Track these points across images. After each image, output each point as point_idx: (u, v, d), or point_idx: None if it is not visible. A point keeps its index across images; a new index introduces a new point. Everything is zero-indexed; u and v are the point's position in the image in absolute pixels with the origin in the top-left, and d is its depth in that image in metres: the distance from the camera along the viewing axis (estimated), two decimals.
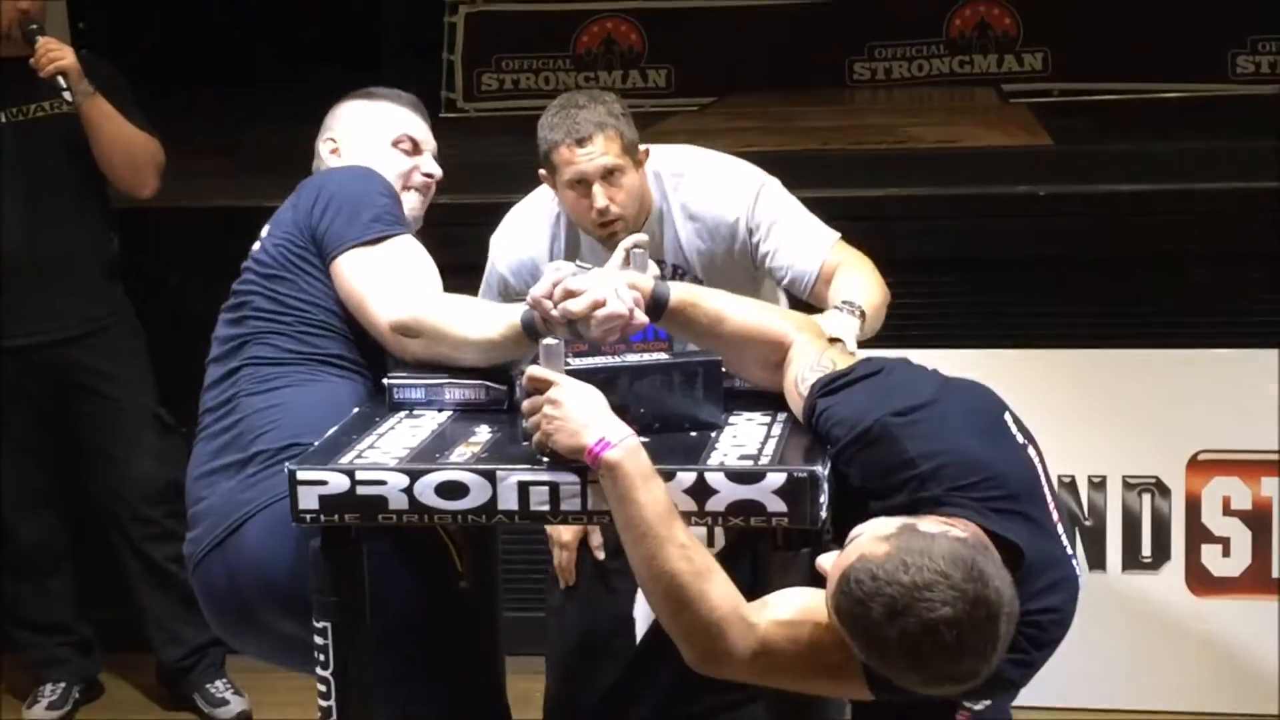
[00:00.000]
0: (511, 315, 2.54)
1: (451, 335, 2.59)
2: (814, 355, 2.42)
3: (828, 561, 2.13)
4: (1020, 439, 2.31)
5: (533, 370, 2.31)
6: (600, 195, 2.94)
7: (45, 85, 3.79)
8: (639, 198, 3.02)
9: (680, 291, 2.50)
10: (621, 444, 2.21)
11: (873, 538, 2.08)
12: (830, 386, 2.33)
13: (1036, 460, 2.31)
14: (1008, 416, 2.33)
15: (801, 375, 2.39)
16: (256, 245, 2.84)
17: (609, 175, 2.95)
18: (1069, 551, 2.29)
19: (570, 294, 2.41)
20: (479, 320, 2.59)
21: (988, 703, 2.31)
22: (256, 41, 8.57)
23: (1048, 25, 6.73)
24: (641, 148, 3.03)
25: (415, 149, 2.96)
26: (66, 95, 3.76)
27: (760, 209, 3.05)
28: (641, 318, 2.42)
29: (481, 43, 6.95)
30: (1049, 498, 2.27)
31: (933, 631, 1.99)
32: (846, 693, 2.28)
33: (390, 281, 2.65)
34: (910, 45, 6.84)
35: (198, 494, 2.68)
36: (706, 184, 3.10)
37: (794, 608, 2.19)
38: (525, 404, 2.31)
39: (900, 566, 2.01)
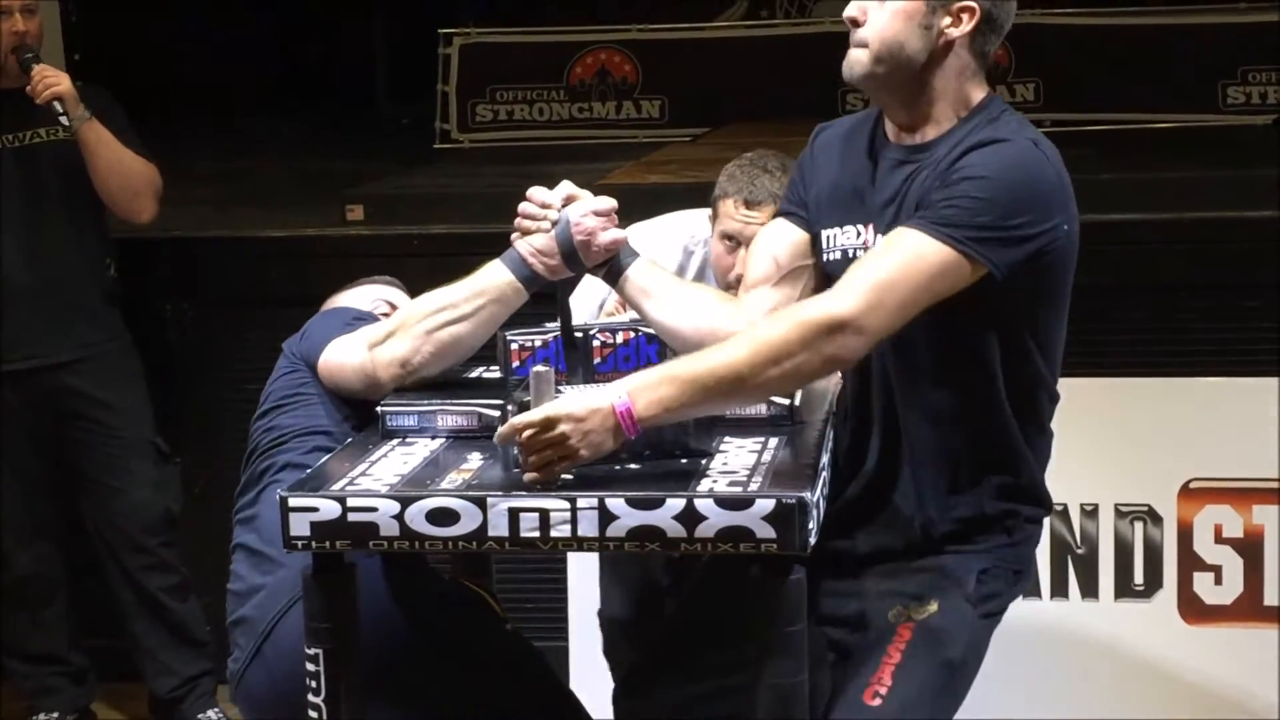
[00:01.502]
0: (485, 270, 2.65)
1: (422, 310, 2.65)
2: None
3: None
4: None
5: (501, 430, 2.30)
6: (744, 263, 2.89)
7: (42, 112, 3.81)
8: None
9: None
10: (626, 398, 2.25)
11: None
12: None
13: None
14: None
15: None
16: (260, 403, 2.87)
17: None
18: None
19: (545, 203, 2.59)
20: (455, 285, 2.66)
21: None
22: (253, 73, 8.61)
23: (1040, 56, 6.75)
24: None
25: (394, 310, 3.01)
26: (63, 120, 3.78)
27: None
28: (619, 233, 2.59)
29: (476, 74, 6.98)
30: None
31: None
32: (956, 275, 2.31)
33: (366, 334, 2.73)
34: None
35: (233, 611, 2.75)
36: None
37: (865, 258, 2.33)
38: (522, 442, 2.28)
39: None
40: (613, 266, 2.63)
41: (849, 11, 2.44)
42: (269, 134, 7.81)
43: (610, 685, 3.33)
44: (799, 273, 2.58)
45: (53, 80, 3.78)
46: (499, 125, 6.94)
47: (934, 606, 2.44)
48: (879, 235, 2.44)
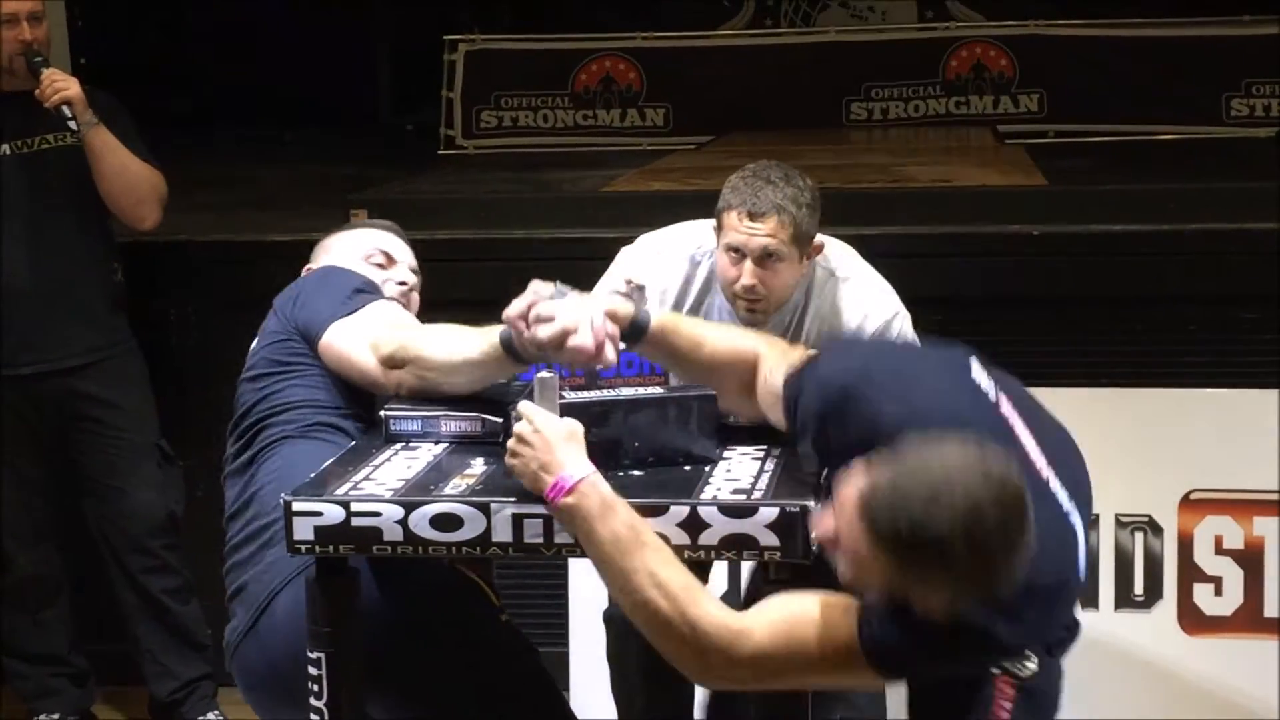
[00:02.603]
0: (491, 335, 2.55)
1: (433, 359, 2.63)
2: (779, 355, 2.46)
3: (823, 514, 2.12)
4: (991, 396, 2.30)
5: (522, 407, 2.32)
6: (749, 274, 2.96)
7: (49, 117, 3.82)
8: (792, 287, 3.02)
9: (661, 317, 2.51)
10: (576, 487, 2.22)
11: (864, 468, 2.07)
12: (798, 369, 2.36)
13: (1011, 410, 2.28)
14: (974, 372, 2.33)
15: (771, 370, 2.42)
16: (248, 363, 2.88)
17: (767, 257, 2.95)
18: (1063, 508, 2.23)
19: (541, 320, 2.39)
20: (459, 342, 2.62)
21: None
22: (257, 78, 8.60)
23: (1044, 68, 6.76)
24: (817, 240, 3.03)
25: (389, 261, 3.03)
26: (71, 125, 3.79)
27: (890, 335, 3.07)
28: (610, 357, 2.39)
29: (481, 80, 6.98)
30: (1033, 451, 2.23)
31: (976, 508, 1.97)
32: (852, 679, 2.25)
33: (373, 330, 2.72)
34: (907, 86, 6.87)
35: (230, 582, 2.75)
36: (855, 294, 3.12)
37: (782, 607, 2.18)
38: (509, 443, 2.31)
39: (919, 465, 2.01)
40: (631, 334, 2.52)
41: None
42: (274, 138, 7.81)
43: (610, 688, 3.35)
44: None
45: (62, 85, 3.78)
46: (503, 132, 6.94)
47: (1034, 664, 2.33)
48: None
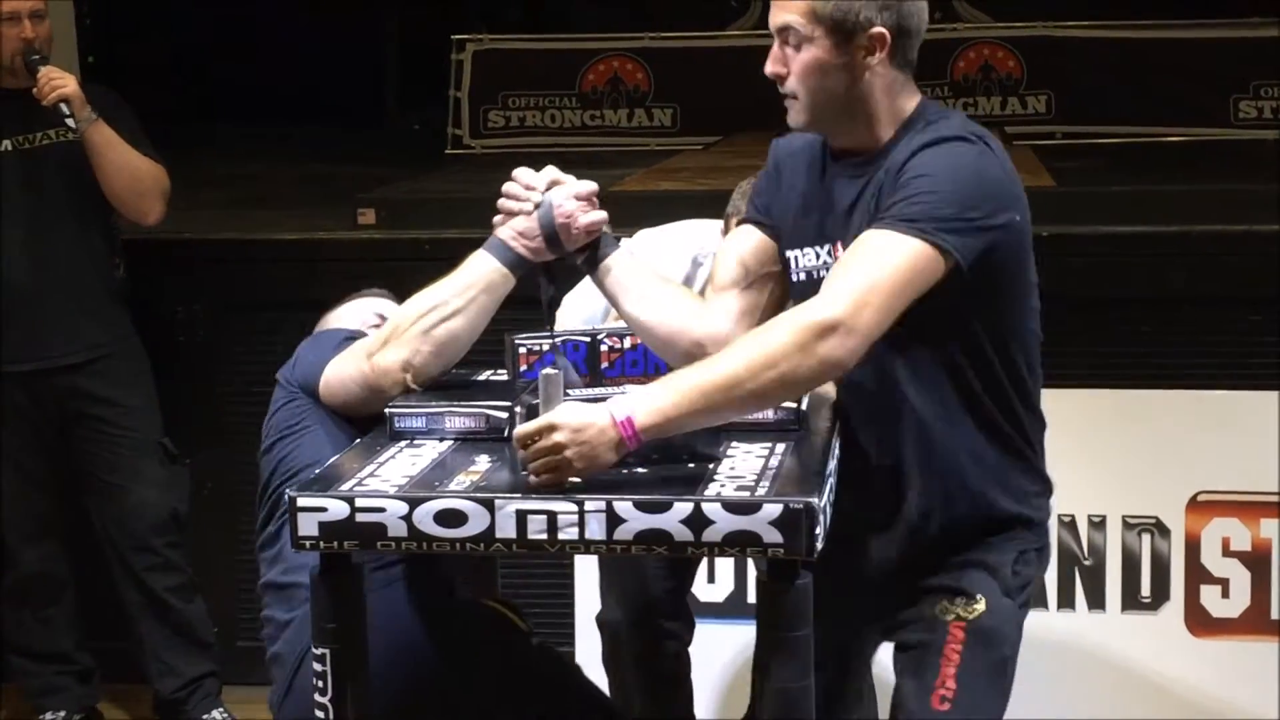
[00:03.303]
0: (473, 256, 2.68)
1: (416, 310, 2.67)
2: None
3: None
4: None
5: (517, 432, 2.31)
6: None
7: (50, 114, 3.82)
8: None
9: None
10: (627, 409, 2.25)
11: None
12: None
13: None
14: None
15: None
16: (263, 435, 2.88)
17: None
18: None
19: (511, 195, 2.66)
20: (442, 282, 2.69)
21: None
22: (264, 76, 8.61)
23: (1051, 69, 6.76)
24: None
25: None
26: (70, 122, 3.79)
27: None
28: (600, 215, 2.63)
29: (488, 80, 6.98)
30: None
31: None
32: (931, 268, 2.33)
33: (362, 347, 2.75)
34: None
35: (269, 648, 2.77)
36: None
37: (840, 265, 2.35)
38: (522, 455, 2.30)
39: None
40: (594, 254, 2.67)
41: (770, 68, 2.48)
42: (280, 136, 7.82)
43: (610, 694, 3.34)
44: (765, 279, 2.62)
45: (59, 82, 3.79)
46: (511, 131, 6.95)
47: (982, 604, 2.51)
48: (842, 248, 2.47)
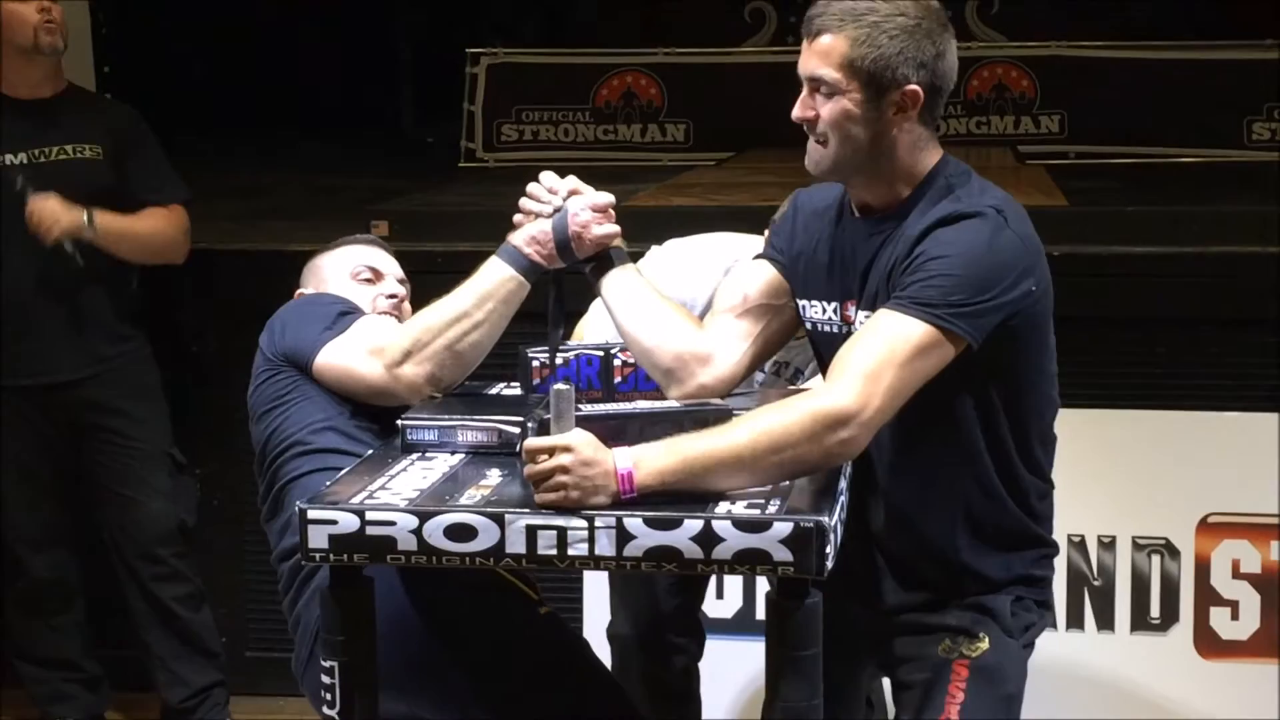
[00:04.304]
0: (486, 264, 2.70)
1: (439, 323, 2.68)
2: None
3: None
4: None
5: (528, 444, 2.32)
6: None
7: (63, 128, 3.83)
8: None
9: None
10: (630, 464, 2.26)
11: None
12: None
13: None
14: None
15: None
16: (249, 406, 2.90)
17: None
18: None
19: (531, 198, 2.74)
20: (454, 292, 2.71)
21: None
22: (280, 88, 8.63)
23: (1065, 89, 6.76)
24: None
25: (376, 276, 3.04)
26: (77, 258, 3.79)
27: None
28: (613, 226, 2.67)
29: (502, 94, 7.00)
30: None
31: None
32: (940, 352, 2.35)
33: (370, 340, 2.74)
34: None
35: (288, 611, 2.77)
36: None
37: (853, 346, 2.35)
38: (528, 471, 2.30)
39: None
40: (600, 263, 2.70)
41: (799, 113, 2.48)
42: (295, 148, 7.83)
43: None
44: (764, 310, 2.64)
45: (51, 224, 3.77)
46: (524, 145, 6.96)
47: (985, 643, 2.52)
48: (852, 307, 2.51)
